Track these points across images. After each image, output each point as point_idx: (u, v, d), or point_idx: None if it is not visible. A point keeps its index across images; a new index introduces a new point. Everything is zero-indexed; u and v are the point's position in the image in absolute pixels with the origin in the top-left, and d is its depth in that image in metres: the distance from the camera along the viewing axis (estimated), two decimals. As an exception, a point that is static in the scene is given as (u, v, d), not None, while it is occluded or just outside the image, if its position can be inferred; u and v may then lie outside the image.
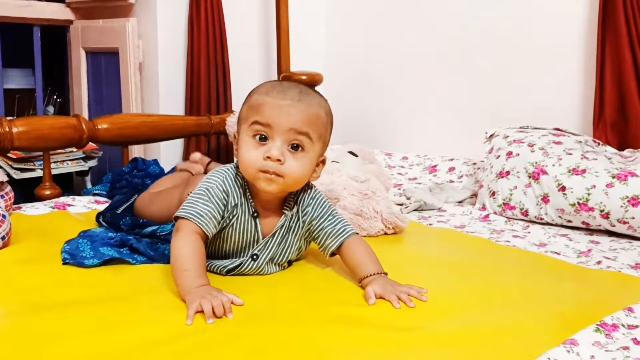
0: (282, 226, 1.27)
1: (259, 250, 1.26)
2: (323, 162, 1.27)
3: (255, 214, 1.24)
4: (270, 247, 1.27)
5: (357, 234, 1.30)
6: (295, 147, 1.18)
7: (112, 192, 1.89)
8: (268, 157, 1.16)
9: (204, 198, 1.20)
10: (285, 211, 1.27)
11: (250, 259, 1.26)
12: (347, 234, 1.28)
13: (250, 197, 1.24)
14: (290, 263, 1.33)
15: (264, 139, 1.17)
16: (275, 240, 1.27)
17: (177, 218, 1.20)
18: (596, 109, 2.09)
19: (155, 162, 2.03)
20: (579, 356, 0.96)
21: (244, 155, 1.19)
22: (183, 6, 2.60)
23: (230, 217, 1.23)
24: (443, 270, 1.38)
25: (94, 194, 1.93)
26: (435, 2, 2.61)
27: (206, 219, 1.19)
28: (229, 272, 1.26)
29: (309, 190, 1.30)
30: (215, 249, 1.27)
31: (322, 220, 1.29)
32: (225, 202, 1.21)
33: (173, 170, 1.91)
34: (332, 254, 1.29)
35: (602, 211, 1.67)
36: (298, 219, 1.28)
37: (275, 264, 1.29)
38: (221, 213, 1.21)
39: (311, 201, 1.29)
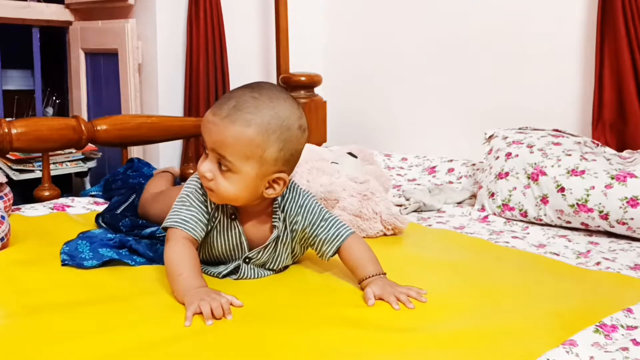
0: (275, 238, 1.25)
1: (252, 255, 1.26)
2: (282, 179, 1.18)
3: (233, 216, 1.23)
4: (262, 257, 1.26)
5: (353, 233, 1.27)
6: (221, 166, 1.16)
7: (107, 193, 1.88)
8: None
9: (186, 204, 1.21)
10: (275, 223, 1.25)
11: (242, 264, 1.25)
12: (342, 237, 1.25)
13: None
14: (287, 266, 1.33)
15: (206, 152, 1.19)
16: (267, 251, 1.26)
17: (165, 229, 1.21)
18: (595, 110, 2.09)
19: (148, 164, 2.01)
20: (578, 357, 0.96)
21: None
22: (182, 7, 2.60)
23: (213, 219, 1.23)
24: (442, 271, 1.37)
25: (91, 195, 1.93)
26: (434, 3, 2.61)
27: (192, 224, 1.19)
28: (224, 278, 1.25)
29: (296, 197, 1.26)
30: (203, 256, 1.27)
31: (315, 227, 1.26)
32: (206, 205, 1.22)
33: (151, 175, 1.86)
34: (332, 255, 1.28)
35: (601, 212, 1.67)
36: (285, 228, 1.26)
37: (267, 270, 1.28)
38: (206, 216, 1.21)
39: (300, 209, 1.26)
